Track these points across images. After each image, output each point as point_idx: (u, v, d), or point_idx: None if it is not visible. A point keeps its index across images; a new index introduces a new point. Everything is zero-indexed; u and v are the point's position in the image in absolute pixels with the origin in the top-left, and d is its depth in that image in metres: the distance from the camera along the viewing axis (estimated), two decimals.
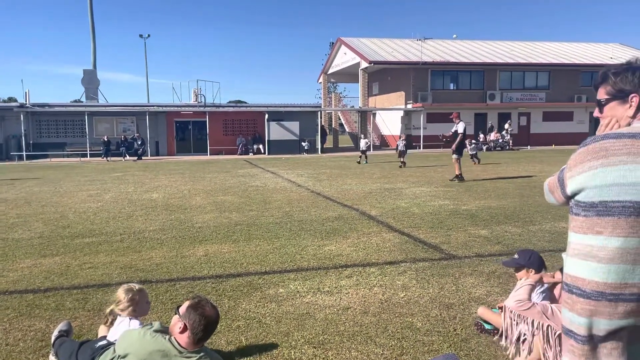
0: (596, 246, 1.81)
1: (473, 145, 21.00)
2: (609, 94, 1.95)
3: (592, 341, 1.84)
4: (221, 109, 32.01)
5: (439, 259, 6.02)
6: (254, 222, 8.50)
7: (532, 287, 3.47)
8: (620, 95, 1.92)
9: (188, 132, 31.78)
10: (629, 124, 1.90)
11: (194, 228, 8.06)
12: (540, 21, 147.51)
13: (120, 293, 3.29)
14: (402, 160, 19.38)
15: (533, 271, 3.65)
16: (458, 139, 13.90)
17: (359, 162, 21.44)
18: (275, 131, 30.49)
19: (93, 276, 5.54)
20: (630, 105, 1.90)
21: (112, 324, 3.31)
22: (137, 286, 3.36)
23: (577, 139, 34.73)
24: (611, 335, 1.81)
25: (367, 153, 23.06)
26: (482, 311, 3.99)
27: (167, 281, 5.32)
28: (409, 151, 21.39)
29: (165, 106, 31.67)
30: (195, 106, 31.91)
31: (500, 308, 3.67)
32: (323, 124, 41.22)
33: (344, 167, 20.09)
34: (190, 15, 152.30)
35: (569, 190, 1.90)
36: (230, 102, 50.24)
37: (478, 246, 6.60)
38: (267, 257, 6.24)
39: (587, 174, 1.84)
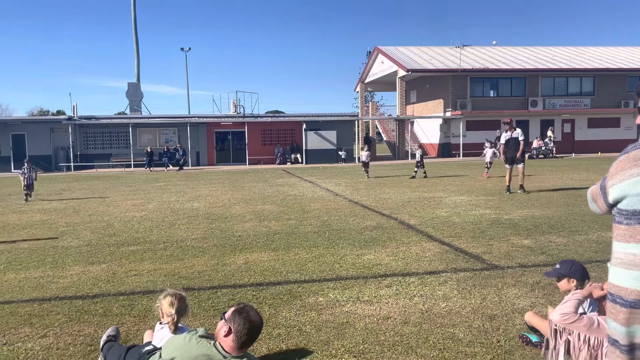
0: (639, 255, 1.76)
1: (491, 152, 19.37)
2: None
3: (637, 351, 1.79)
4: (259, 119, 32.47)
5: (481, 269, 5.90)
6: (292, 231, 8.56)
7: (580, 302, 3.37)
8: None
9: (227, 142, 32.35)
10: None
11: (234, 236, 8.18)
12: (585, 24, 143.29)
13: (165, 306, 3.29)
14: (416, 170, 18.42)
15: (574, 281, 3.56)
16: (521, 147, 13.01)
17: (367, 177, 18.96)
18: (312, 140, 30.67)
19: (138, 283, 5.70)
20: None
21: (176, 326, 3.25)
22: (178, 295, 3.36)
23: (624, 146, 33.26)
24: None
25: (370, 165, 19.76)
26: (530, 317, 3.88)
27: (209, 289, 5.42)
28: (426, 161, 19.99)
29: (206, 117, 32.36)
30: (235, 117, 32.47)
31: None
32: (369, 133, 41.24)
33: (381, 176, 19.98)
34: (229, 29, 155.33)
35: (611, 198, 1.87)
36: (268, 112, 50.93)
37: (521, 256, 6.44)
38: (307, 265, 6.27)
39: (628, 181, 1.80)
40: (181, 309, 3.25)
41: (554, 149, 31.07)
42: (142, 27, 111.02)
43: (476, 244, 7.20)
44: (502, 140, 13.49)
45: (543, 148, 30.71)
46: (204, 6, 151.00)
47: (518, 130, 13.23)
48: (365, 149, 20.76)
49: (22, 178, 14.15)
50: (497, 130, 32.29)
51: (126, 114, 37.39)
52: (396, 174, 20.77)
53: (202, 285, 5.56)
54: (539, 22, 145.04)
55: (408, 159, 32.39)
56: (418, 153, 18.92)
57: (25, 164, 14.47)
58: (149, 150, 28.52)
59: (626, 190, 1.81)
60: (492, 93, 34.46)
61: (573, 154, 32.17)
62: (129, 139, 30.20)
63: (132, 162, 29.52)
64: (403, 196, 13.12)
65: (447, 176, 18.96)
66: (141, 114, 36.02)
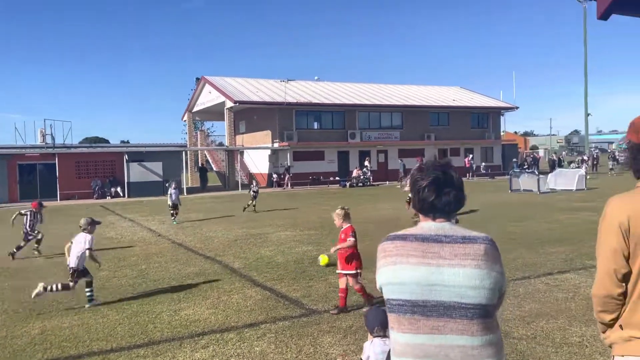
0: (393, 340, 1.93)
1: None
2: None
3: None
4: (73, 150, 29.60)
5: (299, 316, 5.98)
6: (103, 285, 7.78)
7: None
8: None
9: (34, 175, 28.76)
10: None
11: (31, 298, 7.13)
12: (391, 65, 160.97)
13: None
14: (251, 204, 18.13)
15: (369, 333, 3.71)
16: None
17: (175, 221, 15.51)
18: (135, 172, 28.87)
19: None
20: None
21: None
22: None
23: None
24: None
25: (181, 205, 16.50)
26: None
27: None
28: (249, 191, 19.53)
29: (7, 148, 28.44)
30: (43, 147, 29.13)
31: None
32: (199, 162, 40.16)
33: (210, 210, 19.55)
34: (35, 52, 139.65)
35: (377, 286, 2.01)
36: (86, 139, 46.83)
37: (337, 298, 6.67)
38: (115, 329, 5.70)
39: (377, 273, 1.98)
40: None
41: (371, 177, 33.83)
42: None
43: (297, 287, 7.31)
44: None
45: (362, 177, 33.20)
46: (6, 24, 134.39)
47: None
48: (173, 185, 16.25)
49: (26, 223, 10.66)
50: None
51: None
52: (226, 208, 20.47)
53: None
54: (351, 60, 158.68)
55: (239, 189, 32.35)
56: (252, 186, 18.84)
57: (39, 206, 11.05)
58: None
59: (378, 280, 1.98)
60: (315, 125, 36.38)
61: (387, 182, 35.34)
62: None
63: None
64: (230, 234, 12.92)
65: (275, 210, 19.24)
66: None
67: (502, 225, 12.72)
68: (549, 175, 25.25)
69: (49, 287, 6.53)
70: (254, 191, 18.46)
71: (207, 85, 38.03)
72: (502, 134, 47.27)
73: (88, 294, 6.71)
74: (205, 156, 41.99)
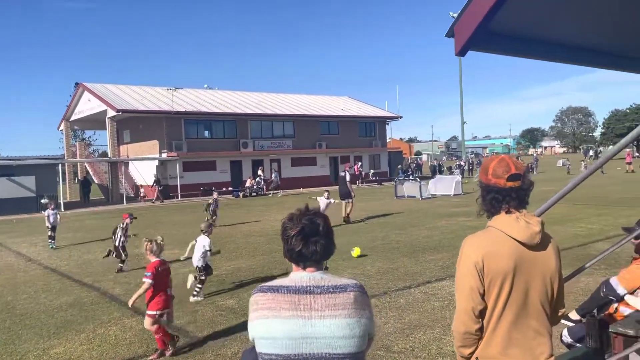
0: None
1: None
2: None
3: None
4: None
5: (183, 346, 5.74)
6: None
7: None
8: None
9: None
10: None
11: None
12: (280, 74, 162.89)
13: None
14: (214, 217, 16.70)
15: None
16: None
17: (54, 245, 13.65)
18: (4, 188, 26.19)
19: None
20: None
21: None
22: None
23: (321, 182, 38.66)
24: None
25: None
26: None
27: None
28: (167, 202, 18.69)
29: None
30: None
31: None
32: (85, 175, 37.17)
33: (90, 228, 18.24)
34: None
35: (250, 338, 1.99)
36: None
37: (224, 322, 6.54)
38: None
39: (249, 325, 1.97)
40: None
41: (264, 187, 33.77)
42: None
43: (182, 312, 7.02)
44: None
45: (255, 187, 33.02)
46: None
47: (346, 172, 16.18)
48: (52, 206, 14.12)
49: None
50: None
51: None
52: (109, 225, 19.20)
53: None
54: (242, 69, 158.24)
55: (124, 203, 30.60)
56: (212, 199, 17.41)
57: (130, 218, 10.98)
58: None
59: (250, 333, 1.98)
60: (207, 134, 35.55)
61: (281, 191, 35.51)
62: None
63: None
64: (111, 255, 12.11)
65: (161, 222, 18.46)
66: None
67: (387, 234, 13.30)
68: (430, 181, 26.93)
69: (197, 277, 7.77)
70: (211, 210, 16.95)
71: (86, 92, 35.59)
72: (388, 141, 49.69)
73: (197, 289, 7.67)
74: (86, 168, 39.22)
